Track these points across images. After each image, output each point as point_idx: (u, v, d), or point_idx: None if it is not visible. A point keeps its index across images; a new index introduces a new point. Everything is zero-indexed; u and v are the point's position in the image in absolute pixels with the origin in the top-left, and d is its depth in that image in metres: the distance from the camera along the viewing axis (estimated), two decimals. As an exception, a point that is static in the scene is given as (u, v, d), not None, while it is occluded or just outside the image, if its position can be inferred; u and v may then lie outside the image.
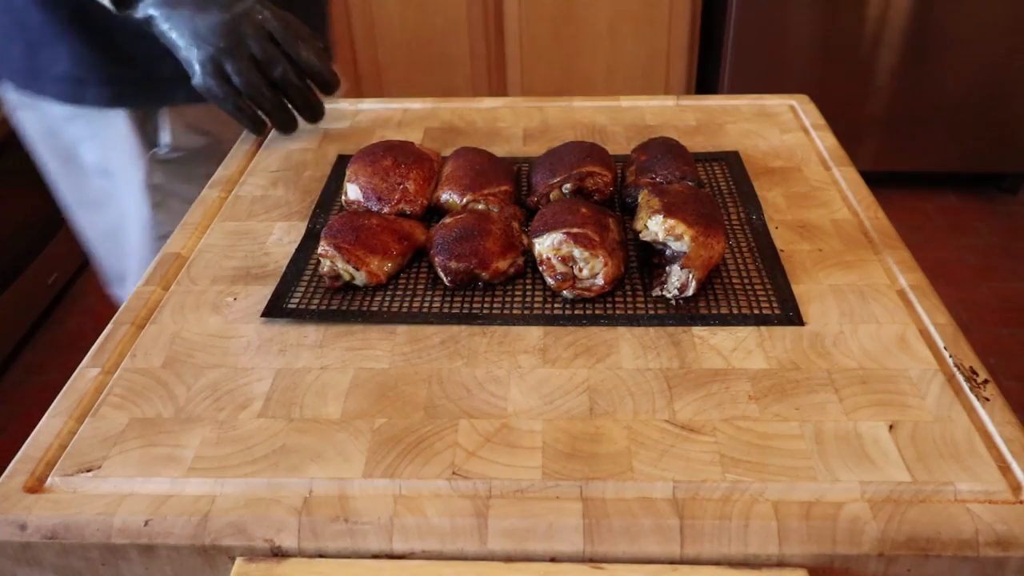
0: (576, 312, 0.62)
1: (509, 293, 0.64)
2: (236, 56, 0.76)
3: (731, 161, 0.80)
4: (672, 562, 0.45)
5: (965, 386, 0.54)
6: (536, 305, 0.62)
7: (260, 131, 0.83)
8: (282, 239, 0.72)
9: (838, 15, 2.28)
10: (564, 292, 0.63)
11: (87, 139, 0.91)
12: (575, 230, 0.62)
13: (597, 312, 0.62)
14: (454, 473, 0.49)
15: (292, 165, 0.84)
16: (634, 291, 0.63)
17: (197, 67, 0.76)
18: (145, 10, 0.77)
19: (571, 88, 2.33)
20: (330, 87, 0.81)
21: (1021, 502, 0.47)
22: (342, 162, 0.82)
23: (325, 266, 0.64)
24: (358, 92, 2.64)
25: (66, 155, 0.93)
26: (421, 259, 0.68)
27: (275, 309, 0.63)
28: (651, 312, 0.61)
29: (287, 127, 0.84)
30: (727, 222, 0.71)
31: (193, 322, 0.62)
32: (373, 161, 0.73)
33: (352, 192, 0.72)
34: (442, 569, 0.45)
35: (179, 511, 0.47)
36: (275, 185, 0.80)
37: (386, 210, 0.71)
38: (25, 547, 0.48)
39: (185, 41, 0.76)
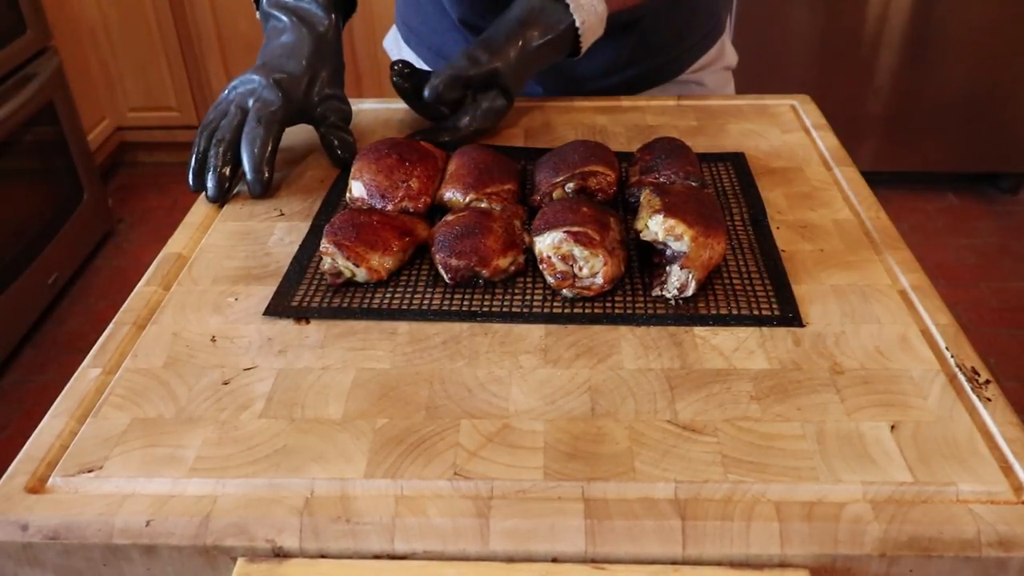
0: (576, 311, 0.62)
1: (509, 291, 0.64)
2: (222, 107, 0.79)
3: (736, 162, 0.80)
4: (674, 563, 0.45)
5: (967, 386, 0.54)
6: (536, 304, 0.62)
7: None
8: (283, 239, 0.72)
9: (838, 15, 2.28)
10: (564, 291, 0.63)
11: None
12: (575, 229, 0.62)
13: (597, 311, 0.62)
14: (456, 473, 0.49)
15: (293, 166, 0.84)
16: (634, 291, 0.63)
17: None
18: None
19: (571, 88, 2.33)
20: (250, 187, 0.77)
21: (1023, 502, 0.47)
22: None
23: (326, 263, 0.64)
24: (358, 92, 2.64)
25: None
26: (423, 256, 0.68)
27: (277, 307, 0.63)
28: (651, 312, 0.61)
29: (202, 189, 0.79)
30: (729, 222, 0.71)
31: (194, 322, 0.62)
32: (378, 158, 0.73)
33: (356, 189, 0.72)
34: (444, 570, 0.45)
35: (181, 511, 0.47)
36: (276, 186, 0.80)
37: (390, 208, 0.71)
38: (27, 547, 0.48)
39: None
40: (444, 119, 0.85)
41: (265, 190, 0.76)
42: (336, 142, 0.82)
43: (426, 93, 0.80)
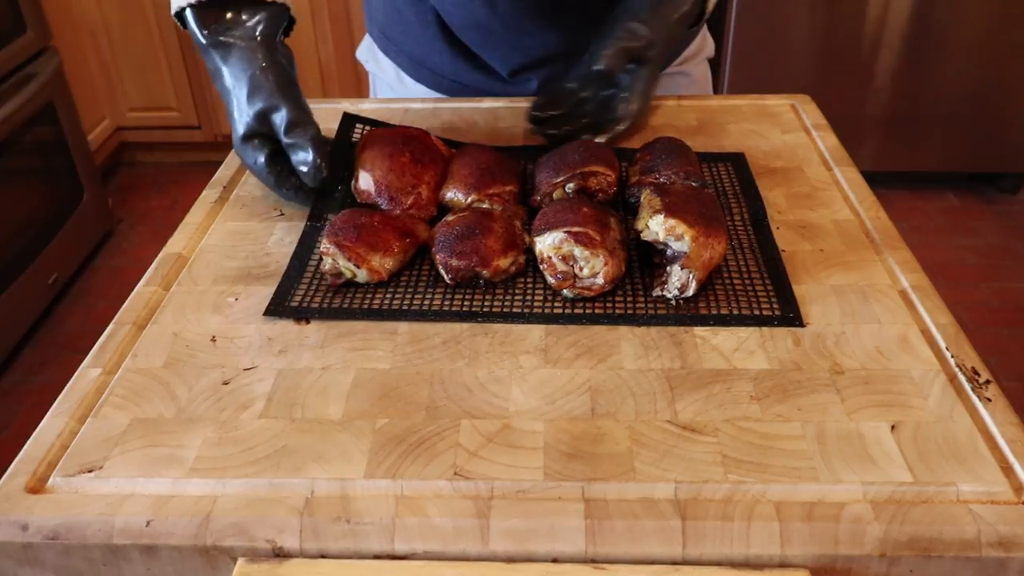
0: (576, 311, 0.62)
1: (510, 291, 0.64)
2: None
3: (736, 162, 0.80)
4: (674, 563, 0.45)
5: (967, 386, 0.54)
6: (536, 304, 0.62)
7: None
8: (283, 239, 0.72)
9: (838, 15, 2.28)
10: (564, 291, 0.63)
11: None
12: (576, 229, 0.62)
13: (597, 311, 0.62)
14: (456, 474, 0.49)
15: (293, 165, 0.84)
16: (635, 291, 0.63)
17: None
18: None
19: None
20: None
21: (1023, 503, 0.47)
22: (348, 119, 0.82)
23: (327, 264, 0.64)
24: (358, 92, 2.64)
25: None
26: (424, 256, 0.68)
27: (278, 307, 0.63)
28: (651, 312, 0.61)
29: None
30: (729, 222, 0.71)
31: (194, 322, 0.62)
32: (391, 153, 0.71)
33: (364, 182, 0.71)
34: (444, 570, 0.45)
35: (181, 512, 0.47)
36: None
37: (397, 212, 0.70)
38: (27, 547, 0.48)
39: None
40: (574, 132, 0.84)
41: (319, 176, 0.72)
42: (301, 166, 0.73)
43: (596, 67, 0.81)
